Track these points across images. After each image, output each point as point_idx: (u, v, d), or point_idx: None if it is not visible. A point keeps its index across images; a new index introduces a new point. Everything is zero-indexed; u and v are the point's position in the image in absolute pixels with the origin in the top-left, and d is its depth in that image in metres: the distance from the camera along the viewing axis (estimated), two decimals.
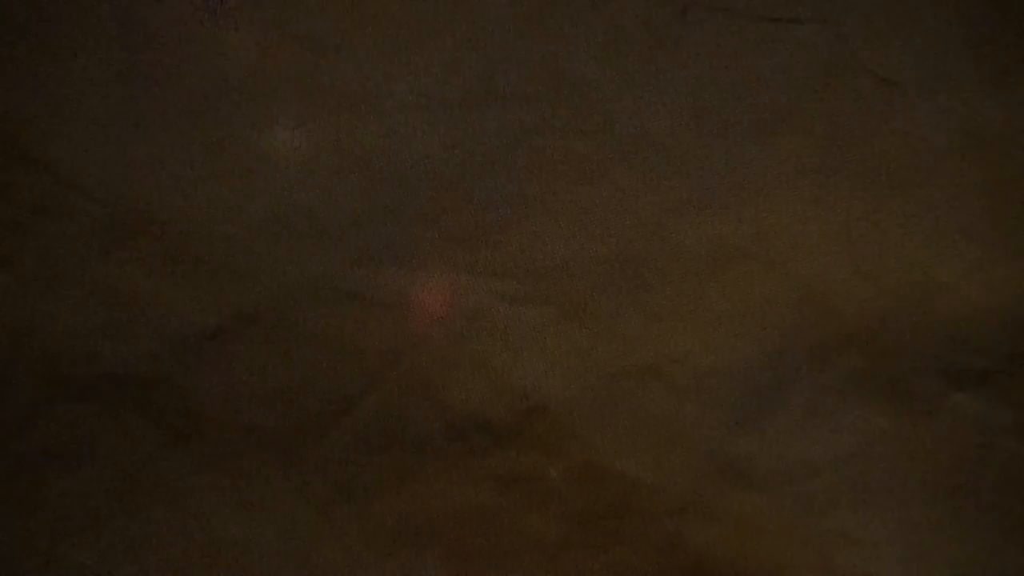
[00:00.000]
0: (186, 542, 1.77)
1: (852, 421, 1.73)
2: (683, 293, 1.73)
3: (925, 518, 1.74)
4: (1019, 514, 1.71)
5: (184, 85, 1.61)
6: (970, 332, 1.70)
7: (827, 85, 1.67)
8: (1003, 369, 1.71)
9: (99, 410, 1.74)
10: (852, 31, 1.65)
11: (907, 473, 1.73)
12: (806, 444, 1.74)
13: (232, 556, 1.77)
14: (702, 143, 1.69)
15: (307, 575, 1.77)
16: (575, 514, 1.78)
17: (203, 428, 1.76)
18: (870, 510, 1.74)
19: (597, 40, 1.65)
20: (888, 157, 1.69)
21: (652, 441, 1.76)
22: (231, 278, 1.71)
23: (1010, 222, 1.69)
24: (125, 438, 1.75)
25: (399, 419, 1.77)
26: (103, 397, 1.73)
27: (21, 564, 1.73)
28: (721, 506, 1.76)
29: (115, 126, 1.62)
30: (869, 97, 1.67)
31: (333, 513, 1.78)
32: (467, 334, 1.74)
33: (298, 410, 1.76)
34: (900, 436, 1.73)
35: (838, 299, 1.71)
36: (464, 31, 1.63)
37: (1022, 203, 1.69)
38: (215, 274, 1.71)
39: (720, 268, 1.71)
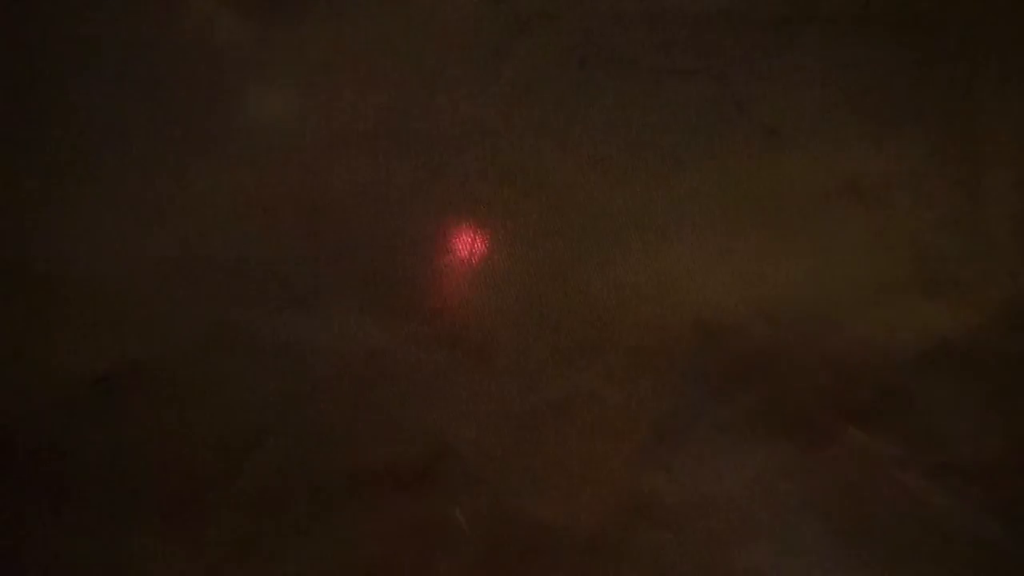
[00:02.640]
0: None
1: (753, 456, 1.78)
2: (588, 334, 1.78)
3: (826, 552, 1.77)
4: (907, 546, 1.76)
5: (72, 127, 1.64)
6: (860, 367, 1.77)
7: (720, 133, 1.78)
8: (891, 403, 1.78)
9: None
10: (740, 83, 1.77)
11: (808, 507, 1.77)
12: (711, 480, 1.78)
13: None
14: (604, 189, 1.78)
15: None
16: (484, 558, 1.78)
17: (87, 489, 1.73)
18: (774, 545, 1.77)
19: (501, 89, 1.74)
20: (779, 201, 1.79)
21: (561, 481, 1.78)
22: (123, 326, 1.72)
23: (893, 262, 1.79)
24: (11, 499, 1.71)
25: (299, 469, 1.76)
26: None
27: None
28: (630, 544, 1.77)
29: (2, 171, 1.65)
30: (758, 145, 1.78)
31: (234, 570, 1.75)
32: (370, 377, 1.76)
33: (191, 464, 1.74)
34: (799, 470, 1.78)
35: (738, 338, 1.77)
36: (369, 73, 1.70)
37: (904, 244, 1.79)
38: (104, 324, 1.72)
39: (623, 309, 1.77)
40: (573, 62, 1.77)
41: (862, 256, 1.78)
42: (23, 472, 1.72)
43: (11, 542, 1.71)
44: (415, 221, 1.74)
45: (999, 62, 1.79)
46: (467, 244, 1.76)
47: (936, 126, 1.79)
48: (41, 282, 1.71)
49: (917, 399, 1.77)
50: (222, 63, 1.71)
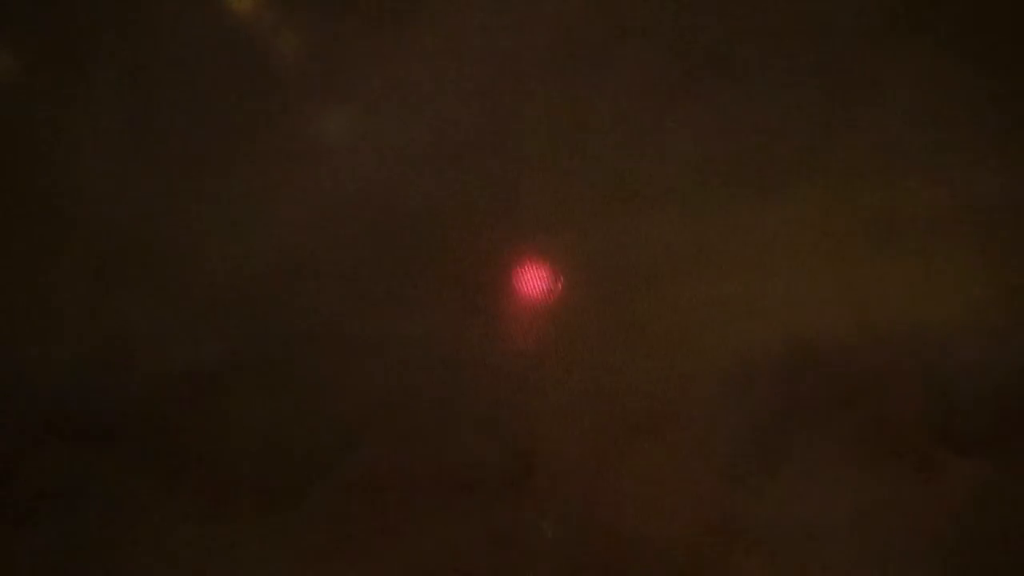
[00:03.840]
0: None
1: (851, 485, 1.68)
2: (680, 349, 1.73)
3: None
4: None
5: (194, 118, 1.72)
6: (967, 394, 1.66)
7: (828, 143, 1.71)
8: (1001, 432, 1.65)
9: (88, 454, 1.77)
10: (852, 97, 1.70)
11: (907, 542, 1.66)
12: (805, 507, 1.69)
13: None
14: (704, 200, 1.73)
15: None
16: (570, 572, 1.74)
17: (195, 475, 1.78)
18: None
19: (603, 99, 1.72)
20: (890, 217, 1.70)
21: (650, 499, 1.73)
22: (229, 320, 1.77)
23: (1007, 286, 1.67)
24: (115, 483, 1.78)
25: (392, 472, 1.77)
26: (92, 441, 1.76)
27: None
28: (721, 569, 1.70)
29: (121, 154, 1.73)
30: (869, 161, 1.70)
31: (323, 568, 1.77)
32: (465, 384, 1.76)
33: (291, 459, 1.77)
34: (899, 502, 1.66)
35: (837, 358, 1.69)
36: (464, 88, 1.72)
37: (1018, 268, 1.67)
38: (212, 316, 1.77)
39: (718, 324, 1.72)
40: (676, 72, 1.74)
41: (975, 280, 1.67)
42: (128, 459, 1.79)
43: (117, 527, 1.78)
44: (502, 230, 1.74)
45: None
46: (554, 254, 1.74)
47: None
48: (156, 273, 1.78)
49: None
50: (309, 70, 1.75)
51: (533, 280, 1.76)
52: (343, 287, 1.77)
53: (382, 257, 1.77)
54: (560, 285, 1.74)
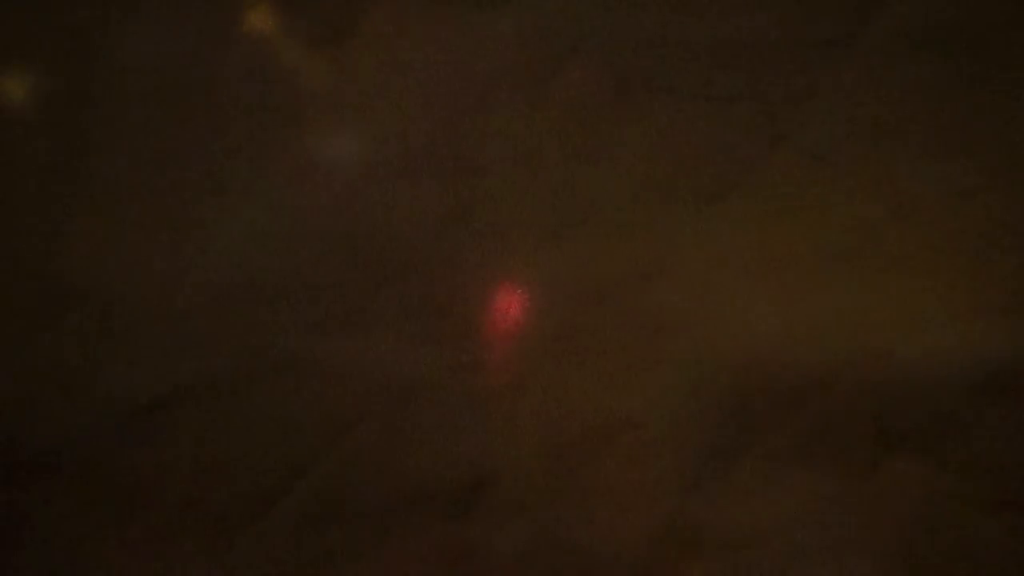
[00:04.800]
0: None
1: (799, 486, 1.74)
2: (630, 360, 1.76)
3: None
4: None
5: (120, 151, 1.69)
6: (910, 396, 1.73)
7: (764, 159, 1.76)
8: (943, 432, 1.73)
9: (30, 492, 1.74)
10: (783, 109, 1.75)
11: (855, 539, 1.73)
12: (756, 510, 1.74)
13: None
14: (649, 213, 1.77)
15: None
16: None
17: (140, 506, 1.76)
18: (820, 574, 1.73)
19: (546, 115, 1.74)
20: (826, 227, 1.76)
21: (603, 510, 1.77)
22: (169, 350, 1.75)
23: (944, 289, 1.74)
24: (58, 521, 1.75)
25: (343, 494, 1.77)
26: (33, 478, 1.74)
27: None
28: (673, 574, 1.75)
29: (50, 198, 1.70)
30: (802, 172, 1.75)
31: None
32: (414, 405, 1.77)
33: (239, 485, 1.76)
34: (846, 501, 1.73)
35: (782, 365, 1.74)
36: (413, 104, 1.73)
37: (954, 270, 1.74)
38: (152, 347, 1.75)
39: (666, 335, 1.76)
40: (615, 88, 1.77)
41: (912, 283, 1.74)
42: (72, 491, 1.76)
43: (59, 557, 1.75)
44: (456, 248, 1.75)
45: None
46: (508, 271, 1.76)
47: (988, 150, 1.74)
48: (91, 307, 1.75)
49: (971, 428, 1.72)
50: (271, 90, 1.74)
51: (487, 300, 1.78)
52: (295, 312, 1.77)
53: (333, 280, 1.77)
54: (514, 304, 1.77)
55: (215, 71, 1.73)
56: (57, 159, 1.76)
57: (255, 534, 1.77)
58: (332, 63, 1.76)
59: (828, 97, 1.76)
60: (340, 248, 1.76)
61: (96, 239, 1.76)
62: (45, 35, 1.70)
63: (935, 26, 1.73)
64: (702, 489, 1.75)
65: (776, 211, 1.76)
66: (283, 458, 1.77)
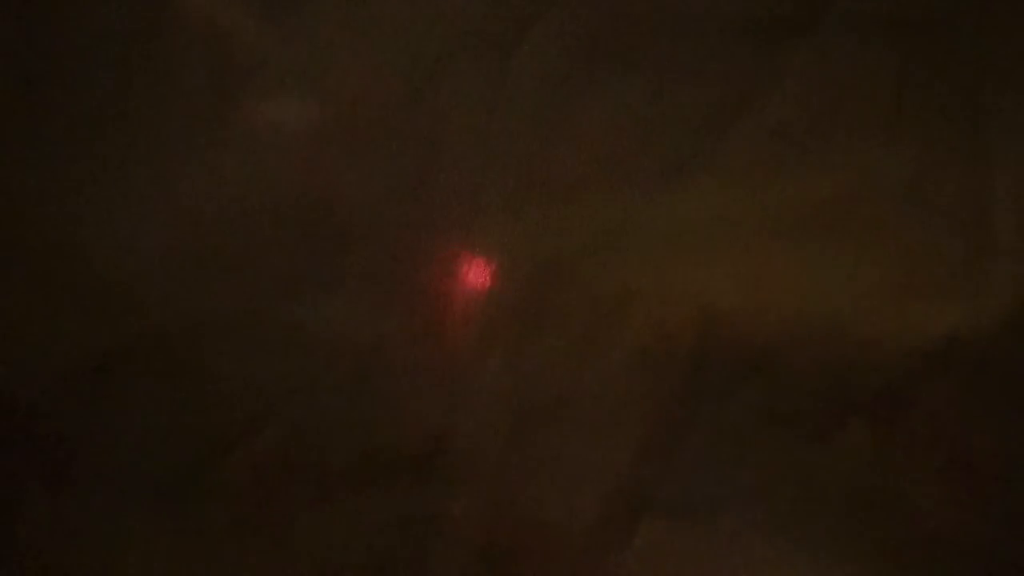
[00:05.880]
0: None
1: (755, 454, 1.76)
2: (588, 330, 1.78)
3: (826, 551, 1.75)
4: (911, 551, 1.74)
5: (86, 104, 1.67)
6: (863, 369, 1.76)
7: (724, 133, 1.78)
8: (895, 405, 1.76)
9: None
10: (746, 85, 1.78)
11: (808, 507, 1.76)
12: (712, 477, 1.76)
13: None
14: (610, 185, 1.79)
15: None
16: (480, 554, 1.77)
17: (87, 467, 1.73)
18: (773, 544, 1.75)
19: (506, 85, 1.75)
20: (785, 203, 1.79)
21: (559, 477, 1.77)
22: (122, 308, 1.73)
23: (899, 266, 1.78)
24: (3, 479, 1.72)
25: (296, 456, 1.76)
26: None
27: None
28: (631, 542, 1.76)
29: (4, 145, 1.68)
30: (764, 148, 1.78)
31: (230, 551, 1.75)
32: (367, 370, 1.76)
33: (189, 446, 1.75)
34: (800, 470, 1.76)
35: (739, 335, 1.77)
36: (370, 71, 1.73)
37: (911, 248, 1.78)
38: (106, 306, 1.73)
39: (624, 308, 1.77)
40: (579, 59, 1.79)
41: (868, 259, 1.78)
42: (19, 452, 1.73)
43: (7, 522, 1.72)
44: (415, 217, 1.75)
45: (1008, 66, 1.79)
46: (467, 240, 1.76)
47: (941, 130, 1.79)
48: (42, 264, 1.73)
49: (922, 402, 1.75)
50: (224, 55, 1.73)
51: (446, 269, 1.78)
52: (249, 275, 1.75)
53: (290, 244, 1.76)
54: (472, 274, 1.77)
55: (168, 33, 1.71)
56: (11, 119, 1.74)
57: (208, 494, 1.75)
58: (287, 27, 1.75)
59: (790, 76, 1.79)
60: (293, 215, 1.75)
61: (48, 195, 1.74)
62: None
63: (896, 8, 1.78)
64: (656, 459, 1.77)
65: (735, 185, 1.79)
66: (238, 419, 1.76)
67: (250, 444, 1.76)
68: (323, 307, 1.76)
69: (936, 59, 1.79)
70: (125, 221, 1.75)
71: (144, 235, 1.75)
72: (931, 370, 1.75)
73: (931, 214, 1.78)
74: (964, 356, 1.74)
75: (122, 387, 1.75)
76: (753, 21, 1.79)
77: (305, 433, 1.77)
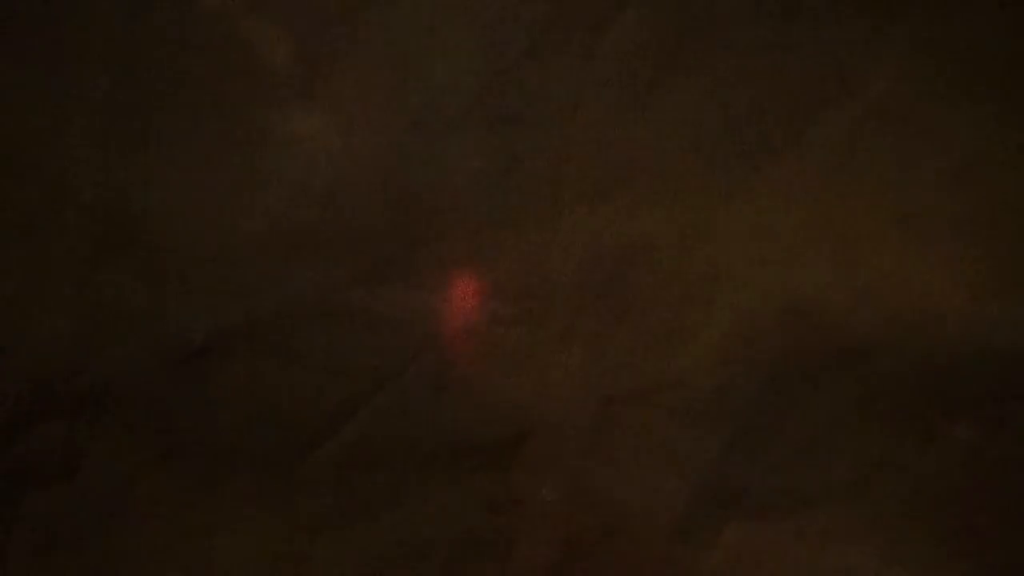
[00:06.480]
0: (172, 563, 1.78)
1: (848, 450, 1.69)
2: (676, 318, 1.73)
3: (925, 555, 1.67)
4: (1019, 550, 1.64)
5: (184, 98, 1.71)
6: (967, 363, 1.67)
7: (824, 113, 1.70)
8: (1002, 401, 1.66)
9: (83, 426, 1.77)
10: (846, 59, 1.69)
11: (906, 507, 1.68)
12: (802, 473, 1.70)
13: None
14: (697, 171, 1.73)
15: None
16: (566, 539, 1.76)
17: (188, 447, 1.78)
18: (868, 545, 1.68)
19: (599, 66, 1.71)
20: (882, 188, 1.70)
21: (645, 466, 1.74)
22: (221, 295, 1.77)
23: (1005, 255, 1.68)
24: (109, 456, 1.78)
25: (387, 442, 1.78)
26: (88, 413, 1.77)
27: None
28: (715, 534, 1.72)
29: (112, 137, 1.72)
30: (865, 125, 1.69)
31: (321, 537, 1.78)
32: (458, 355, 1.76)
33: (284, 430, 1.78)
34: (897, 467, 1.68)
35: (833, 325, 1.70)
36: (461, 55, 1.71)
37: (1016, 236, 1.67)
38: (205, 291, 1.76)
39: (713, 293, 1.72)
40: (671, 41, 1.73)
41: (973, 247, 1.67)
42: (123, 428, 1.79)
43: (113, 496, 1.79)
44: (500, 201, 1.73)
45: None
46: (552, 229, 1.74)
47: None
48: (145, 249, 1.78)
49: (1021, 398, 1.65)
50: (312, 39, 1.74)
51: (530, 254, 1.76)
52: (341, 261, 1.77)
53: (378, 233, 1.76)
54: (557, 259, 1.74)
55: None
56: (117, 98, 1.78)
57: (301, 476, 1.78)
58: (382, 8, 1.75)
59: (892, 48, 1.69)
60: (383, 201, 1.75)
61: (156, 181, 1.78)
62: None
63: None
64: (746, 450, 1.72)
65: (831, 170, 1.71)
66: (326, 405, 1.78)
67: (341, 429, 1.78)
68: (409, 296, 1.77)
69: None
70: (222, 211, 1.78)
71: (240, 224, 1.78)
72: None
73: None
74: None
75: (220, 369, 1.79)
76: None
77: (393, 419, 1.78)
